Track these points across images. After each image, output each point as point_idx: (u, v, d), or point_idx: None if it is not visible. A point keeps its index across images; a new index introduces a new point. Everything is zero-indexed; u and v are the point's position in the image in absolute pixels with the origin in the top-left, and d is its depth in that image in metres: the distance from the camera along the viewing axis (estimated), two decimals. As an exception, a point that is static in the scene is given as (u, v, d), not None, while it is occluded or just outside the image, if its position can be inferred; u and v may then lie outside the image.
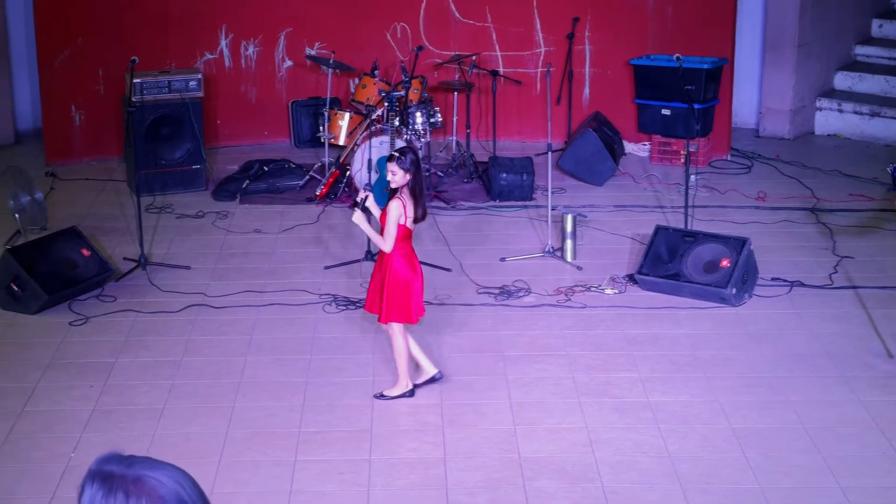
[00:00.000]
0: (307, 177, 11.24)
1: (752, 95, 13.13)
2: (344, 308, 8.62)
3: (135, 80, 10.59)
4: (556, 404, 7.28)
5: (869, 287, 8.95)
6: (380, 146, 10.20)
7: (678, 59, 9.99)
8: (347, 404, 7.30)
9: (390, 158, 7.03)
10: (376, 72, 11.45)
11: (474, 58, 11.90)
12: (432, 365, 7.51)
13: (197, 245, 9.92)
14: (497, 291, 8.92)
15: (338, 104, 11.87)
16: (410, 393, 7.37)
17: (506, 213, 10.67)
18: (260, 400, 7.34)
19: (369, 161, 9.96)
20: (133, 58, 9.64)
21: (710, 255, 8.82)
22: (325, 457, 6.70)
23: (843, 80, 13.37)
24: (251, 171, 11.34)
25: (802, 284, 9.00)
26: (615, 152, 11.54)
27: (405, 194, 7.02)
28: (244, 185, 11.11)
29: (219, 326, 8.38)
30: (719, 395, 7.37)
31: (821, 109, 13.13)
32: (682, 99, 10.82)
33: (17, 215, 9.79)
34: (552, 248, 9.59)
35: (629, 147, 12.27)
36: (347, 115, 11.20)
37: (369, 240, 9.38)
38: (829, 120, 13.07)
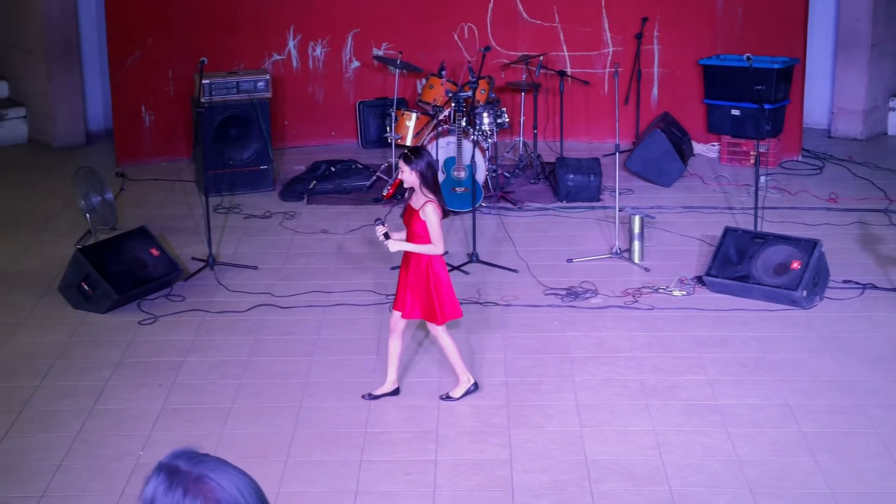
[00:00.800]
0: (374, 177, 11.26)
1: (824, 95, 12.96)
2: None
3: (204, 81, 10.67)
4: (623, 406, 7.22)
5: (944, 290, 8.79)
6: (447, 147, 10.19)
7: (748, 58, 9.88)
8: (412, 405, 7.29)
9: (403, 157, 7.05)
10: (443, 72, 11.45)
11: (542, 58, 11.85)
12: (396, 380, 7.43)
13: (264, 245, 9.97)
14: (564, 293, 8.87)
15: (405, 105, 11.88)
16: (475, 387, 7.33)
17: (573, 213, 10.61)
18: (326, 400, 7.36)
19: (436, 161, 9.95)
20: (202, 59, 9.72)
21: (781, 256, 8.71)
22: (390, 457, 6.70)
23: (917, 80, 13.17)
24: (318, 171, 11.38)
25: (875, 287, 8.86)
26: (684, 153, 11.44)
27: (428, 194, 7.00)
28: (311, 186, 11.15)
29: (285, 326, 8.41)
30: (789, 398, 7.27)
31: (894, 110, 12.94)
32: (752, 99, 10.70)
33: (87, 215, 9.91)
34: (619, 249, 9.52)
35: (698, 148, 12.16)
36: (414, 116, 11.20)
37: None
38: (903, 120, 12.88)
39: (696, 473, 6.47)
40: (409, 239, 7.08)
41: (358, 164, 11.60)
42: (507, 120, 11.20)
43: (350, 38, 12.62)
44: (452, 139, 10.18)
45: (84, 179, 10.00)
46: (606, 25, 12.46)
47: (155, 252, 9.00)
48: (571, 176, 10.79)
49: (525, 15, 12.55)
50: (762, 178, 9.78)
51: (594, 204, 10.74)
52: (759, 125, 10.21)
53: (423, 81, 11.76)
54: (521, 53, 12.21)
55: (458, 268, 9.25)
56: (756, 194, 9.45)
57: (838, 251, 9.39)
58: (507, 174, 11.37)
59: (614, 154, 9.63)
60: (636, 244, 9.42)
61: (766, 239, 8.85)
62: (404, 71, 12.00)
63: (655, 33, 12.35)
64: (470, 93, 10.44)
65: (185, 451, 2.36)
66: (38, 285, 9.08)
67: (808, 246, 8.65)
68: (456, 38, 12.58)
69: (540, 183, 11.30)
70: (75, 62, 12.64)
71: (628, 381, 7.53)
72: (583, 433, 6.91)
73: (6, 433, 6.98)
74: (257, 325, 8.43)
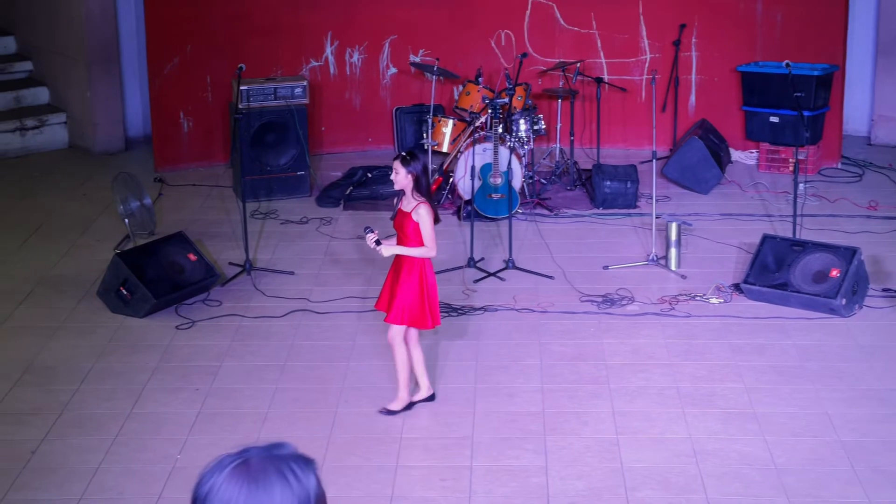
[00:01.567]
0: (410, 184, 11.26)
1: (864, 102, 12.86)
2: (445, 315, 8.60)
3: (241, 88, 10.73)
4: (659, 414, 7.19)
5: (985, 299, 8.71)
6: (483, 153, 10.19)
7: (787, 65, 9.84)
8: (449, 411, 7.29)
9: (398, 157, 7.04)
10: (480, 79, 11.45)
11: (579, 65, 11.84)
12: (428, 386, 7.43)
13: (301, 251, 10.00)
14: (600, 300, 8.85)
15: (441, 111, 11.89)
16: (409, 407, 7.30)
17: (609, 220, 10.58)
18: (362, 405, 7.37)
19: (472, 168, 9.95)
20: (240, 65, 9.76)
21: (820, 264, 8.65)
22: (426, 462, 6.70)
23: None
24: (355, 177, 11.41)
25: (915, 295, 8.79)
26: (721, 160, 11.39)
27: (419, 197, 6.99)
28: (348, 192, 11.17)
29: (322, 332, 8.43)
30: (828, 407, 7.22)
31: (935, 117, 12.83)
32: (791, 106, 10.64)
33: (126, 220, 9.97)
34: (656, 256, 9.48)
35: (736, 155, 12.10)
36: (451, 122, 11.21)
37: (472, 247, 9.39)
38: (944, 128, 12.77)
39: (732, 482, 6.43)
40: (400, 243, 7.08)
41: (395, 171, 11.60)
42: (543, 126, 11.19)
43: (387, 44, 12.64)
44: (489, 146, 10.18)
45: (123, 185, 10.07)
46: (644, 32, 12.42)
47: (192, 257, 9.05)
48: (608, 183, 10.77)
49: (562, 22, 12.53)
50: (801, 186, 9.72)
51: (631, 211, 10.71)
52: (798, 132, 10.15)
53: (460, 88, 11.77)
54: (558, 60, 12.20)
55: (494, 274, 9.25)
56: (795, 202, 9.40)
57: (878, 259, 9.32)
58: (543, 181, 11.36)
59: (651, 161, 9.60)
60: (673, 251, 9.38)
61: (805, 246, 8.79)
62: (441, 77, 12.01)
63: (693, 40, 12.31)
64: (507, 99, 10.43)
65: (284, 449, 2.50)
66: (77, 289, 9.15)
67: (848, 254, 8.58)
68: (493, 44, 12.58)
69: (576, 190, 11.28)
70: (115, 68, 12.74)
71: (664, 389, 7.49)
72: (619, 440, 6.89)
73: (45, 435, 7.04)
74: (294, 330, 8.46)
